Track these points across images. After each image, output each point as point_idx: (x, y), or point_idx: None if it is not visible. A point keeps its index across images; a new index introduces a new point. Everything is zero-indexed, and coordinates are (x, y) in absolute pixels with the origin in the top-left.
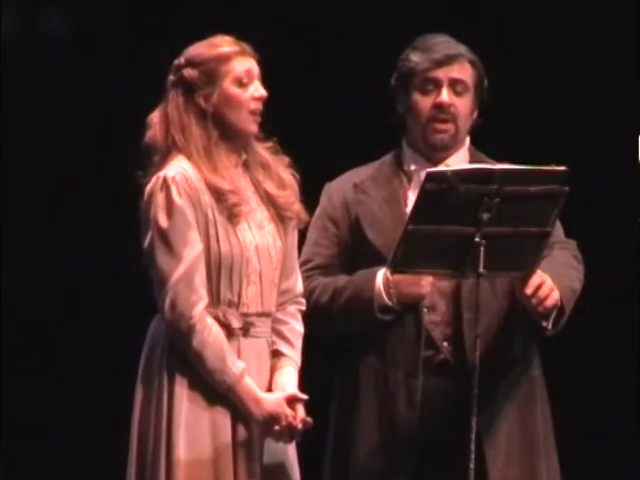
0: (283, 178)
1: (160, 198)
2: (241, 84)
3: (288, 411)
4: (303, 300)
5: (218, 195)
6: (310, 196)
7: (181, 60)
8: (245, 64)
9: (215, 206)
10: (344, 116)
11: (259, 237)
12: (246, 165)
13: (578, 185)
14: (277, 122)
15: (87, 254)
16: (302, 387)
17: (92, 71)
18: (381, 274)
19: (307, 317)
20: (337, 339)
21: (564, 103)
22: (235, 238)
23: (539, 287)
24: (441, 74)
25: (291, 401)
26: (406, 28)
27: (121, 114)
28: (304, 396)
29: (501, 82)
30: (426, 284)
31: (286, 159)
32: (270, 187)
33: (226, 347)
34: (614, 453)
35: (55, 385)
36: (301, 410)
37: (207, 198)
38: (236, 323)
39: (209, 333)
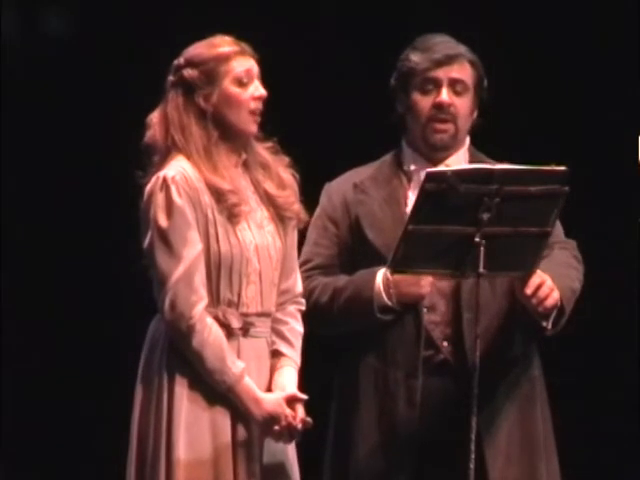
0: (283, 178)
1: (160, 198)
2: (241, 84)
3: (288, 411)
4: (303, 300)
5: (218, 195)
6: (310, 196)
7: (181, 60)
8: (245, 64)
9: (215, 206)
10: (344, 116)
11: (259, 237)
12: (246, 165)
13: (578, 185)
14: (277, 122)
15: (87, 254)
16: (302, 387)
17: (92, 71)
18: (381, 274)
19: (307, 317)
20: (337, 339)
21: (564, 103)
22: (235, 238)
23: (539, 287)
24: (441, 74)
25: (291, 401)
26: (406, 28)
27: (121, 114)
28: (304, 396)
29: (501, 82)
30: (426, 284)
31: (286, 159)
32: (270, 187)
33: (226, 347)
34: (614, 453)
35: (55, 385)
36: (301, 410)
37: (207, 198)
38: (236, 323)
39: (209, 333)
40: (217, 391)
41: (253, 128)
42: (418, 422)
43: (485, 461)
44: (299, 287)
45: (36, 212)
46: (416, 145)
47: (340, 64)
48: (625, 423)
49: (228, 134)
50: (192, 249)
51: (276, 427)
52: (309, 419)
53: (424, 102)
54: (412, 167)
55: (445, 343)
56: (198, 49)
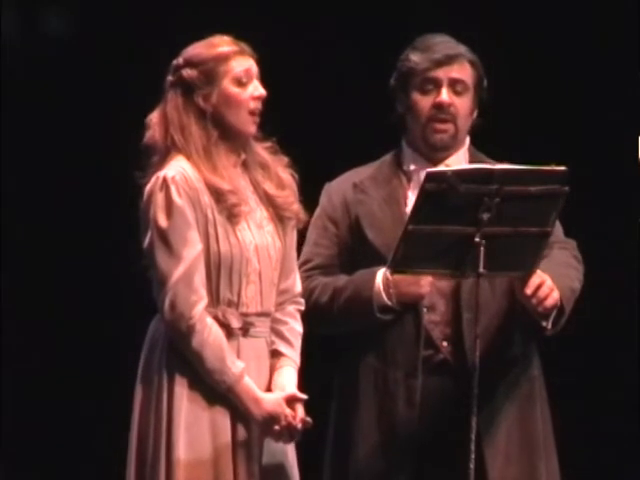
0: (282, 178)
1: (160, 198)
2: (240, 83)
3: (288, 411)
4: (302, 300)
5: (218, 195)
6: (310, 196)
7: (180, 60)
8: (244, 63)
9: (215, 206)
10: (344, 116)
11: (258, 237)
12: (245, 165)
13: (578, 185)
14: (277, 122)
15: (87, 254)
16: (302, 387)
17: (92, 71)
18: (381, 274)
19: (307, 317)
20: (337, 339)
21: (564, 103)
22: (235, 238)
23: (539, 287)
24: (441, 74)
25: (291, 401)
26: (406, 28)
27: (121, 114)
28: (304, 396)
29: (501, 82)
30: (426, 284)
31: (285, 159)
32: (269, 187)
33: (226, 347)
34: (614, 453)
35: (55, 385)
36: (301, 410)
37: (207, 198)
38: (236, 323)
39: (209, 333)
40: (217, 391)
41: (252, 129)
42: (418, 422)
43: (484, 461)
44: (298, 287)
45: (36, 212)
46: (416, 145)
47: (340, 64)
48: (625, 423)
49: (227, 134)
50: (192, 249)
51: (276, 427)
52: (309, 419)
53: (424, 102)
54: (412, 167)
55: (445, 343)
56: (197, 49)
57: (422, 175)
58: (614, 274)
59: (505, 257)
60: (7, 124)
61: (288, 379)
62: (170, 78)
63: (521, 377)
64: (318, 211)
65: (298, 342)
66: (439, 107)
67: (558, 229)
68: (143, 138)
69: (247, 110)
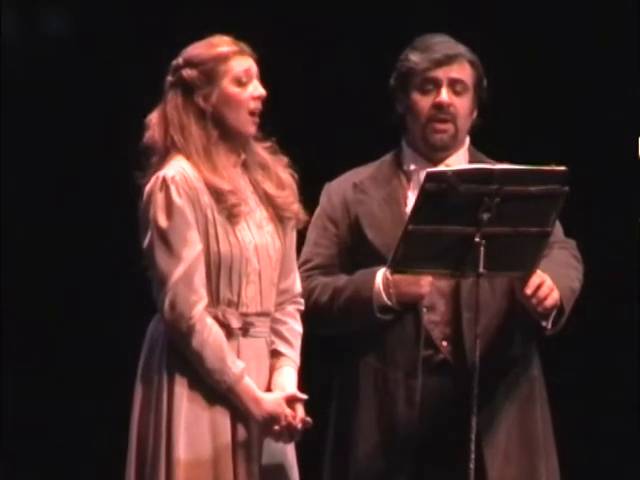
0: (282, 178)
1: (160, 198)
2: (240, 83)
3: (288, 411)
4: (302, 300)
5: (218, 195)
6: (310, 196)
7: (179, 60)
8: (244, 63)
9: (214, 206)
10: (344, 116)
11: (258, 237)
12: (245, 165)
13: (578, 185)
14: (277, 122)
15: (87, 254)
16: (302, 387)
17: (92, 71)
18: (380, 274)
19: (307, 317)
20: (337, 339)
21: (564, 103)
22: (234, 238)
23: (539, 287)
24: (440, 74)
25: (291, 401)
26: (406, 28)
27: (121, 114)
28: (304, 396)
29: (501, 82)
30: (425, 284)
31: (285, 159)
32: (269, 187)
33: (226, 347)
34: (614, 453)
35: (55, 385)
36: (301, 410)
37: (206, 198)
38: (235, 323)
39: (209, 333)
40: (217, 391)
41: (252, 129)
42: (418, 422)
43: (484, 460)
44: (298, 287)
45: (36, 212)
46: (416, 145)
47: (340, 64)
48: (625, 423)
49: (227, 134)
50: (192, 249)
51: (276, 427)
52: (309, 419)
53: (424, 102)
54: (412, 167)
55: (445, 343)
56: (197, 49)
57: (422, 175)
58: (614, 274)
59: (505, 257)
60: (7, 124)
61: (288, 379)
62: (170, 78)
63: (521, 377)
64: (318, 211)
65: (298, 342)
66: (439, 107)
67: (558, 229)
68: (143, 138)
69: (247, 110)
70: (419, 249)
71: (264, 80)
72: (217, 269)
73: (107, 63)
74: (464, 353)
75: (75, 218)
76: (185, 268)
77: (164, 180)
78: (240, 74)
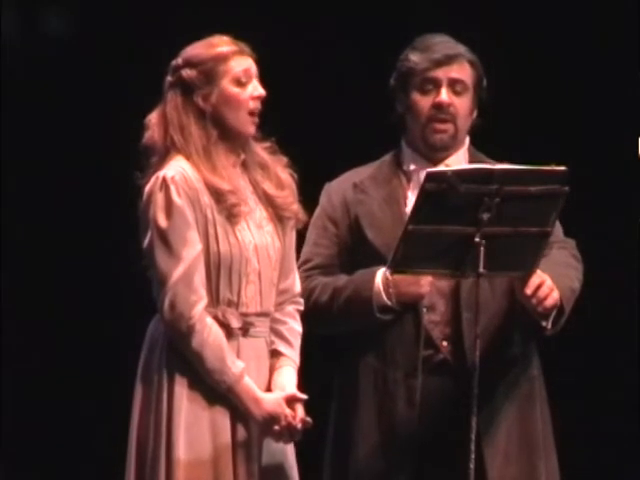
0: (281, 178)
1: (159, 198)
2: (240, 83)
3: (288, 411)
4: (301, 300)
5: (217, 195)
6: (310, 196)
7: (179, 61)
8: (243, 63)
9: (214, 206)
10: (344, 116)
11: (258, 237)
12: (244, 165)
13: (578, 185)
14: (277, 122)
15: (87, 254)
16: (302, 387)
17: (92, 71)
18: (380, 274)
19: (307, 317)
20: (337, 339)
21: (564, 103)
22: (234, 238)
23: (539, 287)
24: (440, 74)
25: (291, 401)
26: (406, 28)
27: (121, 114)
28: (303, 396)
29: (501, 82)
30: (425, 284)
31: (284, 159)
32: (268, 187)
33: (225, 347)
34: (614, 453)
35: (55, 385)
36: (300, 410)
37: (206, 198)
38: (235, 323)
39: (209, 333)
40: (217, 391)
41: (251, 129)
42: (418, 421)
43: (484, 460)
44: (297, 287)
45: (36, 212)
46: (416, 145)
47: (340, 64)
48: (625, 423)
49: (227, 134)
50: (192, 249)
51: (276, 427)
52: (309, 419)
53: (424, 102)
54: (412, 167)
55: (444, 343)
56: (196, 49)
57: (422, 175)
58: (614, 274)
59: (505, 257)
60: (7, 124)
61: (288, 379)
62: (169, 78)
63: (521, 377)
64: (318, 211)
65: (298, 342)
66: (439, 107)
67: (557, 229)
68: (142, 138)
69: (247, 110)
70: (419, 249)
71: (264, 80)
72: (217, 269)
73: (107, 63)
74: (464, 353)
75: (75, 218)
76: (185, 268)
77: (164, 180)
78: (240, 74)
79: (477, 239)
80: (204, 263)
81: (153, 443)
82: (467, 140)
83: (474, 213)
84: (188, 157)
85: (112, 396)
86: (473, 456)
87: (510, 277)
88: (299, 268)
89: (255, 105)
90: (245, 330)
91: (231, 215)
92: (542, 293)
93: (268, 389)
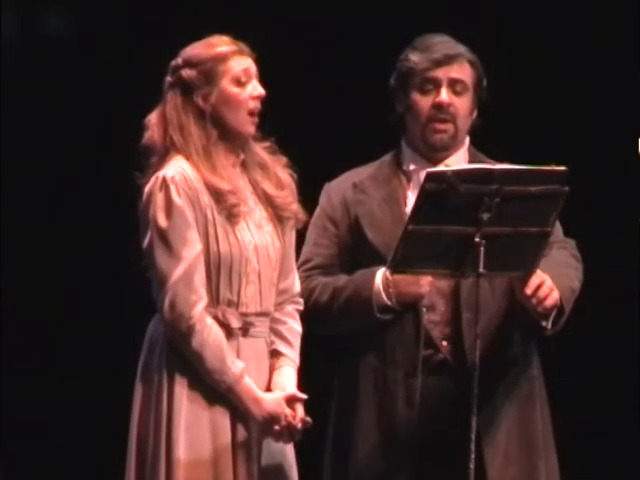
0: (281, 178)
1: (159, 198)
2: (239, 83)
3: (288, 411)
4: (301, 300)
5: (217, 195)
6: (310, 196)
7: (178, 61)
8: (243, 63)
9: (214, 206)
10: (344, 116)
11: (258, 237)
12: (244, 165)
13: (578, 185)
14: (277, 122)
15: (87, 254)
16: (302, 387)
17: (92, 71)
18: (380, 274)
19: (307, 317)
20: (337, 339)
21: (564, 103)
22: (234, 238)
23: (539, 287)
24: (440, 74)
25: (291, 401)
26: (406, 28)
27: (121, 114)
28: (303, 396)
29: (501, 82)
30: (425, 284)
31: (284, 159)
32: (268, 187)
33: (225, 347)
34: (614, 453)
35: (55, 385)
36: (300, 410)
37: (206, 198)
38: (235, 323)
39: (208, 333)
40: (217, 391)
41: (251, 129)
42: (417, 421)
43: (484, 460)
44: (297, 287)
45: (36, 212)
46: (416, 145)
47: (340, 64)
48: (625, 423)
49: (227, 134)
50: (192, 249)
51: (276, 427)
52: (309, 419)
53: (423, 102)
54: (412, 167)
55: (444, 342)
56: (196, 49)
57: (422, 175)
58: (614, 274)
59: (505, 257)
60: (7, 124)
61: (288, 379)
62: (169, 79)
63: (521, 377)
64: (318, 211)
65: (297, 342)
66: (439, 107)
67: (557, 229)
68: (142, 139)
69: (246, 110)
70: (419, 249)
71: (264, 80)
72: (217, 269)
73: (107, 63)
74: (464, 353)
75: (75, 218)
76: (185, 268)
77: (164, 180)
78: (239, 74)
79: (477, 239)
80: (204, 263)
81: (153, 443)
82: (467, 140)
83: (474, 213)
84: (188, 157)
85: (112, 396)
86: (473, 456)
87: (510, 277)
88: (299, 268)
89: (255, 105)
90: (245, 330)
91: (231, 215)
92: (542, 293)
93: (268, 389)
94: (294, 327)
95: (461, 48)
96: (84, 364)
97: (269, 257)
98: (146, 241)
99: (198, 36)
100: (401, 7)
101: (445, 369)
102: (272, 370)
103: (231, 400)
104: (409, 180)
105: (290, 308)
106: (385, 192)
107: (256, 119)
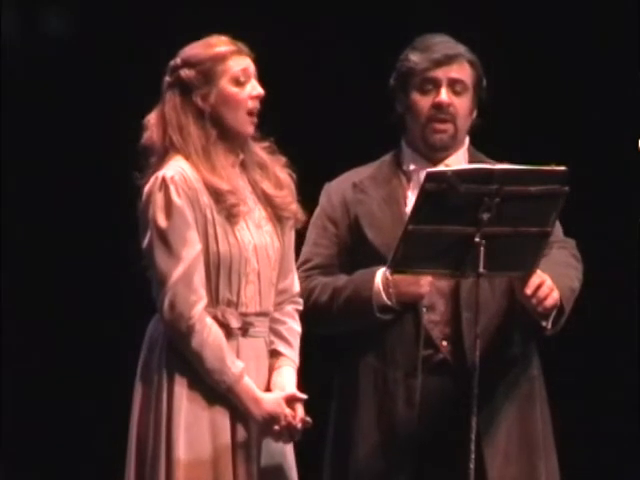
0: (280, 178)
1: (159, 198)
2: (238, 83)
3: (287, 411)
4: (300, 300)
5: (217, 195)
6: (309, 196)
7: (177, 61)
8: (241, 63)
9: (214, 206)
10: (344, 116)
11: (257, 237)
12: (243, 165)
13: (578, 185)
14: (277, 122)
15: (87, 254)
16: (302, 387)
17: (92, 71)
18: (380, 274)
19: (306, 317)
20: (337, 339)
21: (564, 103)
22: (234, 238)
23: (539, 287)
24: (440, 74)
25: (290, 401)
26: (406, 28)
27: (121, 114)
28: (303, 396)
29: (501, 82)
30: (425, 284)
31: (283, 159)
32: (267, 187)
33: (225, 347)
34: (614, 453)
35: (55, 385)
36: (300, 410)
37: (206, 198)
38: (235, 323)
39: (208, 333)
40: (217, 391)
41: (250, 129)
42: (417, 422)
43: (484, 460)
44: (296, 287)
45: (36, 212)
46: (415, 145)
47: (340, 64)
48: (625, 423)
49: (226, 134)
50: (191, 249)
51: (276, 427)
52: (309, 419)
53: (423, 102)
54: (411, 167)
55: (444, 342)
56: (194, 49)
57: (422, 175)
58: (614, 274)
59: (505, 257)
60: (7, 124)
61: (287, 379)
62: (168, 79)
63: (521, 377)
64: (318, 211)
65: (297, 342)
66: (438, 107)
67: (557, 229)
68: (141, 139)
69: (245, 110)
70: (419, 249)
71: (264, 80)
72: (216, 269)
73: (107, 63)
74: (464, 353)
75: (75, 218)
76: (185, 268)
77: (163, 180)
78: (238, 74)
79: (477, 239)
80: (204, 263)
81: (153, 443)
82: (467, 140)
83: (474, 213)
84: (187, 157)
85: (112, 396)
86: (473, 456)
87: (510, 277)
88: (299, 268)
89: (254, 105)
90: (244, 330)
91: (230, 215)
92: (542, 293)
93: (268, 389)
94: (293, 327)
95: (461, 48)
96: (84, 364)
97: (268, 257)
98: (146, 241)
99: (198, 36)
100: (401, 7)
101: (445, 369)
102: (272, 370)
103: (231, 400)
104: (409, 180)
105: (289, 308)
106: (385, 192)
107: (255, 119)
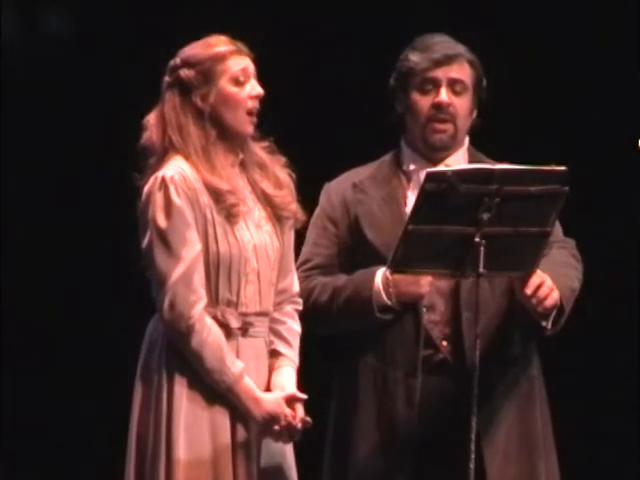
0: (280, 178)
1: (159, 198)
2: (238, 83)
3: (287, 411)
4: (300, 300)
5: (216, 195)
6: (309, 196)
7: (177, 61)
8: (241, 63)
9: (213, 206)
10: (344, 116)
11: (257, 237)
12: (243, 165)
13: (578, 185)
14: (277, 122)
15: (87, 254)
16: (302, 387)
17: (92, 71)
18: (380, 273)
19: (306, 317)
20: (337, 339)
21: (564, 103)
22: (233, 238)
23: (539, 287)
24: (440, 74)
25: (290, 401)
26: (406, 28)
27: (121, 114)
28: (303, 396)
29: (501, 82)
30: (425, 284)
31: (282, 159)
32: (267, 187)
33: (225, 347)
34: (614, 453)
35: (55, 385)
36: (300, 410)
37: (205, 198)
38: (235, 323)
39: (208, 333)
40: (216, 391)
41: (250, 129)
42: (417, 422)
43: (483, 460)
44: (296, 287)
45: (36, 212)
46: (415, 145)
47: (340, 64)
48: (625, 423)
49: (225, 134)
50: (191, 249)
51: (276, 427)
52: (309, 419)
53: (423, 102)
54: (411, 167)
55: (444, 342)
56: (194, 49)
57: (422, 175)
58: (614, 274)
59: (505, 257)
60: (7, 124)
61: (287, 379)
62: (167, 79)
63: (520, 377)
64: (317, 211)
65: (296, 342)
66: (438, 107)
67: (557, 229)
68: (141, 139)
69: (245, 110)
70: (419, 249)
71: (264, 80)
72: (216, 269)
73: (107, 63)
74: (464, 353)
75: (75, 218)
76: (184, 268)
77: (163, 180)
78: (237, 73)
79: (477, 239)
80: (203, 263)
81: (153, 443)
82: (467, 140)
83: (474, 213)
84: (187, 157)
85: (112, 396)
86: (473, 456)
87: (510, 277)
88: (299, 268)
89: (253, 104)
90: (244, 330)
91: (230, 215)
92: (542, 293)
93: (267, 389)
94: (293, 327)
95: (461, 48)
96: (84, 364)
97: (268, 257)
98: (145, 241)
99: (198, 36)
100: (401, 7)
101: (445, 369)
102: (271, 370)
103: (231, 400)
104: (409, 180)
105: (289, 308)
106: (385, 192)
107: (255, 119)
